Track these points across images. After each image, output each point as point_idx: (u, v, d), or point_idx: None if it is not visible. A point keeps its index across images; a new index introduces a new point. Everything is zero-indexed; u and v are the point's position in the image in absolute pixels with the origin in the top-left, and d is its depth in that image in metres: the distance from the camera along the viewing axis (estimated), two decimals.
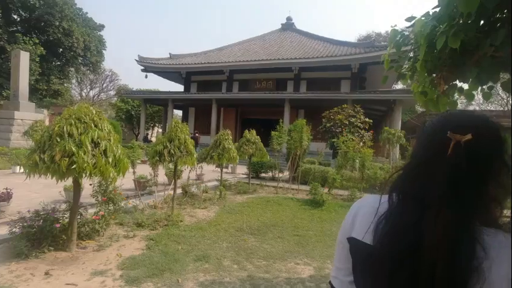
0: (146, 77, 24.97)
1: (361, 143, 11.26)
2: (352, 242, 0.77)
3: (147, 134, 29.35)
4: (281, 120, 10.70)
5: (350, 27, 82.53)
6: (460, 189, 0.62)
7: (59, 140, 3.20)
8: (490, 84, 2.04)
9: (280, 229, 5.37)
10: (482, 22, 1.68)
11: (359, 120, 12.57)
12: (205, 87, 23.84)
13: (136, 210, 5.66)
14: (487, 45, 1.52)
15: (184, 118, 25.29)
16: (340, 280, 0.83)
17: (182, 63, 23.35)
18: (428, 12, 2.02)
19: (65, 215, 4.01)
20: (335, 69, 19.77)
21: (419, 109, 31.02)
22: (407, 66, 2.35)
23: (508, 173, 0.66)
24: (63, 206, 4.41)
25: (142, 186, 7.30)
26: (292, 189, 9.68)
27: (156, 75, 25.70)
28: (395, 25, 2.37)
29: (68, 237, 3.77)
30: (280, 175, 10.35)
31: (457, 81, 2.14)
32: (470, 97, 2.16)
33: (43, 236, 3.65)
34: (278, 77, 21.67)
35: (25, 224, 3.64)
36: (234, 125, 22.07)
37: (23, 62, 15.72)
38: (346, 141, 9.55)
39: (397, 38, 2.33)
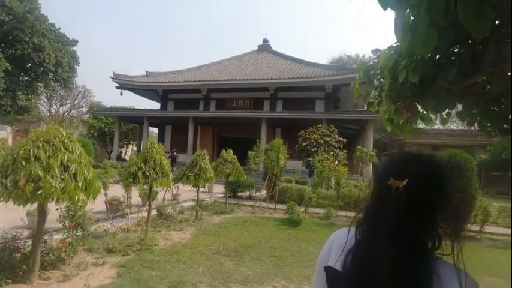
0: (121, 94, 24.45)
1: (336, 162, 11.59)
2: (328, 270, 0.85)
3: (121, 152, 28.33)
4: (258, 139, 10.82)
5: (323, 48, 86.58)
6: (404, 225, 0.71)
7: (24, 164, 3.03)
8: (447, 111, 2.23)
9: (258, 250, 5.31)
10: (438, 56, 1.86)
11: (333, 140, 12.98)
12: (183, 106, 23.68)
13: (107, 234, 5.39)
14: (442, 80, 1.68)
15: (161, 136, 24.82)
16: None
17: (159, 81, 23.17)
18: (391, 45, 2.20)
19: (27, 243, 3.74)
20: (310, 90, 20.48)
21: (390, 128, 32.66)
22: (375, 94, 2.52)
23: (448, 207, 0.75)
24: (26, 233, 4.12)
25: (114, 208, 6.98)
26: (270, 208, 9.67)
27: (132, 93, 25.25)
28: (363, 55, 2.54)
29: (29, 267, 3.49)
30: (258, 194, 10.33)
31: (419, 108, 2.32)
32: (428, 121, 2.36)
33: (0, 267, 3.37)
34: (255, 96, 22.05)
35: None
36: (211, 144, 21.93)
37: None
38: (321, 160, 9.80)
39: (365, 67, 2.51)
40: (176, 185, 8.35)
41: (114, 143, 23.66)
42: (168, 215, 7.25)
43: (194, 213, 7.48)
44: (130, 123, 27.61)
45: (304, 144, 12.66)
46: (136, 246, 4.88)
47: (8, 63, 18.43)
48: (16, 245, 3.55)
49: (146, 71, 25.25)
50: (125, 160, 24.40)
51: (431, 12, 1.10)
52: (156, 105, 26.76)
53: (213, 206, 8.99)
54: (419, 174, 0.76)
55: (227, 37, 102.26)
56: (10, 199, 3.04)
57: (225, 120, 21.42)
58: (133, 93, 25.44)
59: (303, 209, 8.79)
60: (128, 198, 6.22)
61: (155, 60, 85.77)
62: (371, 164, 14.84)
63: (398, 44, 2.08)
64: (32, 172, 2.99)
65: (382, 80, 2.46)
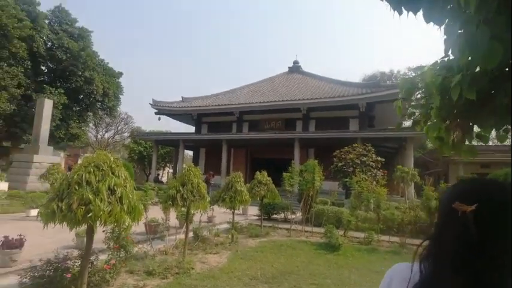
0: (159, 119, 25.90)
1: (374, 182, 11.04)
2: None
3: (158, 174, 29.59)
4: (292, 160, 10.69)
5: (355, 67, 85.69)
6: (473, 255, 0.66)
7: (77, 188, 3.25)
8: (505, 127, 2.04)
9: (296, 277, 5.09)
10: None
11: (371, 159, 12.44)
12: (216, 128, 24.42)
13: (147, 256, 5.51)
14: (502, 96, 1.55)
15: (195, 159, 25.60)
16: None
17: (193, 106, 24.26)
18: (436, 61, 2.10)
19: (76, 263, 3.93)
20: (343, 109, 20.14)
21: (431, 145, 30.73)
22: (420, 113, 2.39)
23: None
24: (75, 253, 4.34)
25: (153, 230, 7.17)
26: (306, 231, 9.34)
27: (169, 118, 26.65)
28: (398, 71, 2.45)
29: None
30: (293, 216, 10.07)
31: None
32: (485, 140, 2.17)
33: (52, 287, 3.55)
34: (287, 117, 22.14)
35: (35, 274, 3.57)
36: (244, 165, 22.14)
37: (46, 110, 16.67)
38: (359, 181, 9.38)
39: (408, 86, 2.41)
40: (211, 207, 8.44)
41: (152, 166, 24.80)
42: (204, 237, 7.28)
43: (230, 236, 7.44)
44: (167, 147, 28.92)
45: (340, 164, 12.28)
46: (174, 269, 4.91)
47: (65, 97, 20.55)
48: (67, 264, 3.74)
49: (182, 97, 26.63)
50: (162, 182, 25.39)
51: (493, 24, 1.03)
52: (190, 129, 27.89)
53: (248, 229, 8.89)
54: (488, 198, 0.70)
55: (257, 61, 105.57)
56: (64, 221, 3.24)
57: (258, 142, 21.62)
58: (170, 118, 26.81)
59: (341, 232, 8.37)
60: (166, 220, 6.36)
61: (190, 85, 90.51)
62: (413, 184, 13.93)
63: (443, 59, 1.99)
64: (84, 196, 3.19)
65: (427, 98, 2.34)
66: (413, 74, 2.46)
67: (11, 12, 17.28)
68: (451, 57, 1.91)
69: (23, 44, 18.37)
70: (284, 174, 9.42)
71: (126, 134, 40.69)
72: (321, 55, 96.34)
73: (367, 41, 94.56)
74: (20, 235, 4.75)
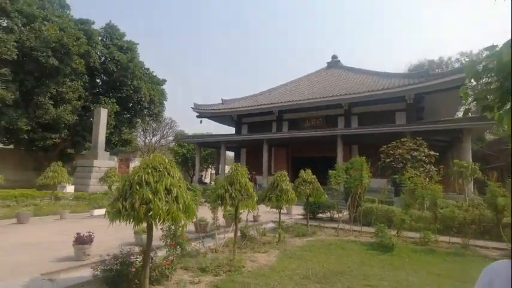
0: (201, 122, 26.91)
1: (428, 179, 10.25)
2: None
3: (201, 175, 30.72)
4: (335, 158, 10.35)
5: (399, 58, 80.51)
6: None
7: (138, 188, 3.49)
8: None
9: (349, 278, 4.92)
10: None
11: (423, 154, 11.58)
12: (256, 128, 24.66)
13: (199, 254, 5.73)
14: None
15: (236, 159, 26.11)
16: None
17: (233, 107, 24.77)
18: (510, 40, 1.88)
19: (138, 259, 4.22)
20: (388, 102, 19.07)
21: (490, 137, 27.62)
22: (494, 97, 2.16)
23: None
24: (136, 249, 4.67)
25: (202, 229, 7.45)
26: (354, 230, 9.01)
27: (209, 120, 27.54)
28: (449, 58, 2.23)
29: (140, 282, 3.91)
30: (339, 215, 9.76)
31: None
32: None
33: (120, 280, 3.86)
34: (328, 113, 21.58)
35: (105, 267, 3.91)
36: (285, 164, 22.04)
37: (102, 118, 18.40)
38: (412, 177, 8.78)
39: (476, 68, 2.19)
40: (257, 207, 8.53)
41: (195, 167, 25.81)
42: (251, 236, 7.38)
43: (276, 235, 7.44)
44: (209, 148, 29.89)
45: (388, 160, 11.61)
46: (226, 267, 5.04)
47: (117, 106, 22.41)
48: (131, 259, 4.04)
49: (222, 99, 27.35)
50: (205, 183, 26.31)
51: None
52: (231, 130, 28.51)
53: (294, 228, 8.82)
54: None
55: (295, 58, 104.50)
56: (128, 219, 3.50)
57: (298, 140, 21.38)
58: (211, 120, 27.69)
59: (393, 232, 7.91)
60: (215, 219, 6.56)
61: (229, 87, 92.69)
62: (472, 181, 12.66)
63: None
64: (144, 195, 3.42)
65: (502, 80, 2.10)
66: (465, 60, 2.23)
67: (71, 32, 19.28)
68: None
69: (82, 60, 20.36)
70: (330, 172, 9.17)
71: (171, 138, 42.96)
72: (362, 48, 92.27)
73: (411, 28, 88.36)
74: (89, 232, 5.25)
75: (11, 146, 22.12)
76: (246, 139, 23.31)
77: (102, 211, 10.40)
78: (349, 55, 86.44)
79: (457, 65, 29.44)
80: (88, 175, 16.69)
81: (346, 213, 10.51)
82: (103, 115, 18.56)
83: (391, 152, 11.96)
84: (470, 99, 2.40)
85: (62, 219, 9.61)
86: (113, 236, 6.88)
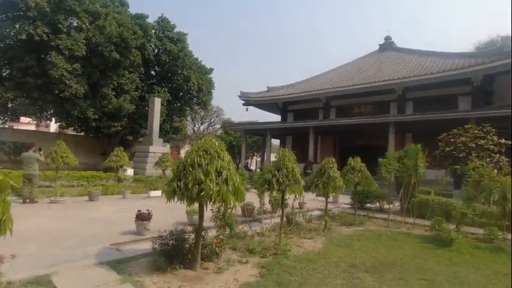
0: (247, 110, 27.28)
1: (496, 170, 9.15)
2: None
3: (247, 162, 31.41)
4: (386, 147, 9.77)
5: (464, 35, 71.67)
6: None
7: (191, 170, 3.72)
8: None
9: (401, 269, 4.70)
10: None
11: (491, 142, 10.32)
12: (302, 116, 24.27)
13: (246, 236, 5.95)
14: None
15: (282, 147, 26.09)
16: None
17: (279, 95, 24.62)
18: None
19: (191, 237, 4.53)
20: (449, 85, 17.27)
21: None
22: None
23: None
24: (189, 228, 5.01)
25: (249, 213, 7.69)
26: (406, 222, 8.52)
27: (255, 108, 27.80)
28: None
29: (193, 257, 4.21)
30: (390, 206, 9.28)
31: None
32: None
33: (175, 253, 4.19)
34: (379, 100, 20.33)
35: (163, 241, 4.28)
36: (332, 153, 21.43)
37: (157, 107, 19.75)
38: (477, 167, 7.93)
39: None
40: (303, 194, 8.50)
41: (241, 154, 26.43)
42: (297, 222, 7.41)
43: (322, 223, 7.37)
44: (255, 136, 30.30)
45: (448, 149, 10.59)
46: (272, 250, 5.17)
47: (169, 94, 23.80)
48: (184, 236, 4.36)
49: (267, 86, 27.31)
50: (251, 170, 26.87)
51: None
52: (276, 118, 28.46)
53: (341, 217, 8.63)
54: None
55: (345, 42, 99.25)
56: (182, 199, 3.77)
57: (346, 128, 20.57)
58: (256, 108, 27.93)
59: (452, 226, 7.29)
60: (262, 203, 6.70)
61: (275, 74, 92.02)
62: None
63: None
64: (197, 177, 3.64)
65: None
66: None
67: (129, 26, 20.74)
68: None
69: (139, 52, 21.86)
70: (380, 160, 8.71)
71: (218, 126, 44.41)
72: (420, 27, 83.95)
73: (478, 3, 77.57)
74: (148, 210, 5.76)
75: (82, 133, 25.02)
76: (291, 127, 23.12)
77: (158, 193, 11.33)
78: (406, 38, 79.43)
79: None
80: (145, 160, 18.16)
81: (397, 204, 9.95)
82: (157, 104, 19.89)
83: (451, 140, 10.87)
84: None
85: (124, 199, 10.70)
86: (168, 216, 7.45)
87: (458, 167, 9.73)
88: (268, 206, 8.66)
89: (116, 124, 21.98)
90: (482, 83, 16.38)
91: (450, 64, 17.76)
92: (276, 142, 31.96)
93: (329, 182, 6.68)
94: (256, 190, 7.24)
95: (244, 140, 26.01)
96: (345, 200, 11.79)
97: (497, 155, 10.17)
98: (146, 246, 4.77)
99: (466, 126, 11.38)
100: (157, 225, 5.82)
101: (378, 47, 26.56)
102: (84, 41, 19.05)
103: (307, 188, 7.05)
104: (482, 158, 9.75)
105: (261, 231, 6.49)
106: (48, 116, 23.11)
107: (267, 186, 5.34)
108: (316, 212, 9.24)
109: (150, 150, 18.42)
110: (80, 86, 18.83)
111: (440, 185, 10.83)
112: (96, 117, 20.72)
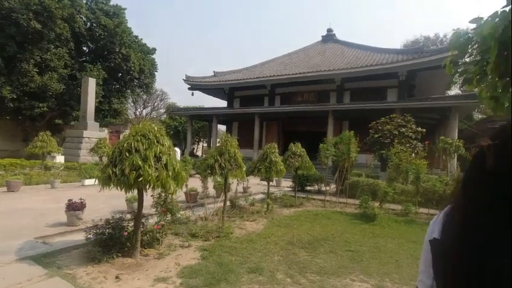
0: (192, 94, 26.48)
1: (413, 154, 10.55)
2: (432, 242, 0.83)
3: (193, 148, 30.78)
4: (325, 133, 10.50)
5: (394, 34, 79.08)
6: (494, 195, 0.65)
7: (128, 155, 3.55)
8: None
9: (332, 244, 5.22)
10: None
11: (410, 130, 11.81)
12: (248, 102, 24.47)
13: (189, 221, 5.93)
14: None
15: (228, 132, 26.04)
16: (423, 283, 0.88)
17: (225, 80, 24.34)
18: (496, 12, 1.92)
19: (130, 224, 4.36)
20: (380, 78, 19.03)
21: (478, 116, 28.20)
22: (473, 70, 2.22)
23: None
24: (128, 216, 4.81)
25: (193, 198, 7.64)
26: (340, 202, 9.38)
27: (201, 92, 27.12)
28: (445, 35, 2.28)
29: (132, 244, 4.08)
30: (327, 188, 10.09)
31: None
32: None
33: (112, 242, 4.01)
34: (320, 88, 21.48)
35: (98, 231, 4.04)
36: (276, 139, 22.17)
37: (91, 87, 17.89)
38: (398, 152, 9.04)
39: (460, 41, 2.24)
40: (246, 178, 8.72)
41: (187, 140, 25.77)
42: (240, 206, 7.62)
43: (265, 206, 7.70)
44: (201, 121, 29.69)
45: (376, 136, 11.82)
46: (215, 233, 5.27)
47: (104, 73, 21.73)
48: (123, 224, 4.18)
49: (214, 71, 26.77)
50: (197, 156, 26.42)
51: None
52: (223, 103, 28.22)
53: (282, 199, 9.11)
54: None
55: (289, 31, 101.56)
56: (118, 185, 3.59)
57: (290, 115, 21.39)
58: (203, 93, 27.27)
59: (377, 204, 8.28)
60: (205, 188, 6.72)
61: (221, 59, 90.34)
62: (456, 157, 13.10)
63: (505, 9, 1.81)
64: (134, 162, 3.49)
65: (483, 53, 2.16)
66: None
67: None
68: None
69: (66, 24, 19.36)
70: (320, 145, 9.34)
71: (162, 110, 42.36)
72: (357, 22, 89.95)
73: (408, 2, 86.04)
74: (81, 199, 5.35)
75: None
76: (237, 112, 23.19)
77: (94, 181, 10.49)
78: (347, 30, 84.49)
79: None
80: (78, 146, 16.54)
81: (333, 186, 10.86)
82: (91, 84, 18.02)
83: (379, 127, 12.15)
84: (457, 73, 2.47)
85: (53, 188, 9.66)
86: (105, 204, 7.02)
87: (383, 151, 10.95)
88: (212, 191, 8.70)
89: (40, 105, 19.40)
90: (406, 77, 18.41)
91: (382, 59, 19.54)
92: (222, 128, 31.84)
93: (271, 166, 6.97)
94: (200, 175, 7.21)
95: (190, 125, 25.34)
96: (287, 183, 12.43)
97: (415, 141, 11.71)
98: (79, 237, 4.46)
99: (391, 115, 12.81)
100: (94, 215, 5.43)
101: (320, 38, 27.80)
102: None
103: (250, 172, 7.26)
104: (403, 144, 11.13)
105: (205, 215, 6.54)
106: None
107: (209, 171, 5.36)
108: (260, 196, 9.60)
109: (84, 135, 16.80)
110: None
111: (369, 168, 12.08)
112: (14, 96, 18.00)
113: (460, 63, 2.43)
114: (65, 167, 13.15)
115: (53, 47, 19.10)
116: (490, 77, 1.99)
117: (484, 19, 1.95)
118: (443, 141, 11.67)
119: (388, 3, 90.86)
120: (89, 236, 4.05)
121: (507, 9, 1.80)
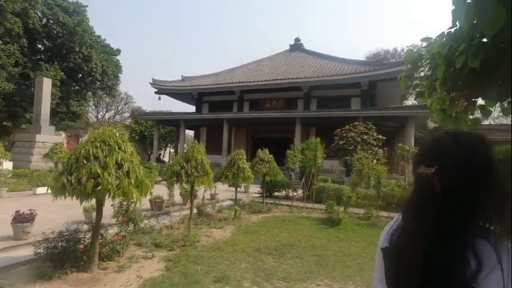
0: (159, 98, 25.68)
1: (375, 160, 11.14)
2: (384, 250, 0.91)
3: (160, 154, 29.77)
4: (293, 139, 10.73)
5: (358, 45, 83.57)
6: (436, 210, 0.74)
7: (85, 163, 3.33)
8: (509, 99, 2.06)
9: (298, 249, 5.29)
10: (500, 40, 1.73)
11: (372, 137, 12.48)
12: (217, 108, 24.29)
13: (154, 230, 5.69)
14: (507, 66, 1.56)
15: (196, 138, 25.62)
16: None
17: (194, 85, 23.99)
18: (443, 32, 2.10)
19: (87, 236, 4.08)
20: (345, 87, 19.93)
21: (432, 124, 30.63)
22: (424, 84, 2.40)
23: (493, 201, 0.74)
24: (85, 227, 4.50)
25: (158, 206, 7.36)
26: (307, 207, 9.57)
27: (169, 97, 26.43)
28: (402, 49, 2.45)
29: (89, 258, 3.82)
30: (294, 194, 10.27)
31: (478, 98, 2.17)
32: (487, 113, 2.18)
33: (66, 257, 3.71)
34: (288, 96, 21.95)
35: (49, 245, 3.72)
36: (245, 144, 22.20)
37: (46, 88, 16.59)
38: (360, 158, 9.47)
39: (414, 57, 2.41)
40: (214, 184, 8.60)
41: (153, 146, 24.89)
42: (207, 213, 7.48)
43: (232, 212, 7.63)
44: (168, 126, 28.88)
45: (341, 142, 12.33)
46: (180, 242, 5.10)
47: (61, 73, 20.33)
48: (79, 236, 3.89)
49: (182, 76, 26.27)
50: (163, 162, 25.59)
51: None
52: (191, 108, 27.72)
53: (250, 206, 9.09)
54: (449, 158, 0.74)
55: (258, 39, 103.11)
56: (74, 195, 3.34)
57: (259, 121, 21.56)
58: (170, 97, 26.60)
59: (341, 208, 8.58)
60: (171, 196, 6.51)
61: (190, 64, 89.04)
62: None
63: (451, 30, 1.98)
64: (92, 170, 3.28)
65: (433, 69, 2.35)
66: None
67: None
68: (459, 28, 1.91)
69: (18, 19, 17.90)
70: (288, 151, 9.50)
71: (127, 114, 40.59)
72: (324, 33, 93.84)
73: (371, 18, 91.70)
74: (31, 210, 4.90)
75: None
76: (206, 118, 22.92)
77: (46, 189, 9.68)
78: (314, 40, 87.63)
79: None
80: (29, 151, 15.23)
81: (300, 191, 11.07)
82: (46, 84, 16.72)
83: (344, 134, 12.69)
84: (411, 86, 2.66)
85: None
86: (59, 215, 6.50)
87: (348, 158, 11.43)
88: (179, 198, 8.46)
89: None
90: (368, 87, 19.48)
91: (346, 69, 20.51)
92: (191, 133, 31.20)
93: (238, 172, 6.95)
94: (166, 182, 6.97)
95: (157, 130, 24.53)
96: (255, 189, 12.45)
97: (376, 148, 12.38)
98: (27, 252, 4.07)
99: (355, 123, 13.45)
100: (46, 227, 5.01)
101: (288, 47, 28.53)
102: None
103: (218, 179, 7.17)
104: (366, 151, 11.71)
105: (170, 224, 6.32)
106: None
107: (175, 179, 5.20)
108: (228, 202, 9.50)
109: (37, 140, 15.52)
110: None
111: (335, 174, 12.51)
112: None
113: (415, 75, 2.62)
114: (13, 174, 12.02)
115: (1, 43, 17.55)
116: (439, 91, 2.15)
117: (433, 39, 2.13)
118: (402, 148, 12.45)
119: (354, 15, 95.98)
120: (38, 250, 3.70)
121: (452, 30, 1.97)
